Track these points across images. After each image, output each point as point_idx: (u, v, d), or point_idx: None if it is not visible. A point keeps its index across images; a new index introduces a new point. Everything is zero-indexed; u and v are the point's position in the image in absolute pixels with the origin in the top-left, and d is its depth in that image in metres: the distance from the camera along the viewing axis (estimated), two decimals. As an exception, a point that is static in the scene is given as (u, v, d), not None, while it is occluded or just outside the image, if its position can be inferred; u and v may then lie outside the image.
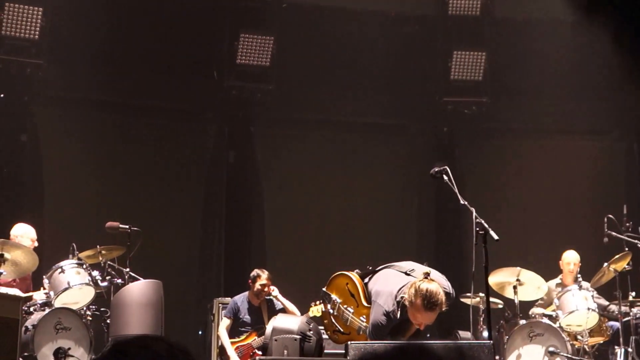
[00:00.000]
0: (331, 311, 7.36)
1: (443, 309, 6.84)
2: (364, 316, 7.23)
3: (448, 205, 12.58)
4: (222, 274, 13.38)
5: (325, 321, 7.58)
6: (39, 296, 9.70)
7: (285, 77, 13.55)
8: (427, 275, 6.84)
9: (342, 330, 7.35)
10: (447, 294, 6.89)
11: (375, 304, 7.04)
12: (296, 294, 11.96)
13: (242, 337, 10.60)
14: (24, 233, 9.99)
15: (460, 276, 12.56)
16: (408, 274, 7.02)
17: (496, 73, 13.79)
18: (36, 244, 10.04)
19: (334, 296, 7.32)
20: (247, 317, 10.73)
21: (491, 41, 13.84)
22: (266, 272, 10.86)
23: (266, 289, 10.75)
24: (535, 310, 10.93)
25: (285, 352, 7.65)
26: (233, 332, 10.69)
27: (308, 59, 13.69)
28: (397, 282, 7.01)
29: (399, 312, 6.93)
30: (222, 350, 10.67)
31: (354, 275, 7.35)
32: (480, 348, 6.65)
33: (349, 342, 6.90)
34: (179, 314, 12.02)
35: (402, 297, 6.85)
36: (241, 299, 10.80)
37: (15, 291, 9.59)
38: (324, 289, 7.54)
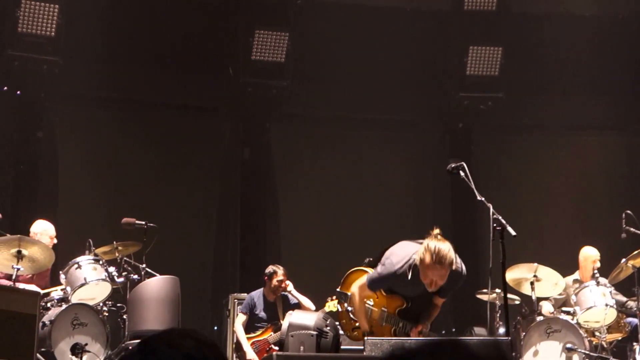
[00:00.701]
0: (349, 309, 7.33)
1: (453, 269, 6.91)
2: (385, 306, 7.23)
3: (464, 201, 12.56)
4: (238, 270, 13.38)
5: (344, 321, 7.56)
6: (57, 294, 9.74)
7: (300, 74, 13.54)
8: (437, 235, 6.85)
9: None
10: (457, 272, 6.91)
11: (385, 263, 7.12)
12: (311, 290, 11.96)
13: (258, 333, 10.61)
14: (43, 230, 10.05)
15: (477, 272, 12.54)
16: (422, 243, 7.02)
17: (512, 68, 13.74)
18: (55, 241, 10.09)
19: (350, 293, 7.30)
20: (262, 313, 10.75)
21: (507, 36, 13.78)
22: (282, 268, 10.88)
23: (283, 285, 10.78)
24: (543, 305, 10.88)
25: (302, 348, 7.64)
26: (249, 328, 10.71)
27: (323, 55, 13.67)
28: (412, 248, 7.07)
29: (410, 272, 6.99)
30: (238, 345, 10.67)
31: (366, 268, 7.32)
32: (498, 344, 6.62)
33: (366, 338, 6.89)
34: (194, 309, 12.03)
35: (413, 259, 6.89)
36: (257, 295, 10.82)
37: (32, 287, 9.64)
38: (339, 289, 7.51)
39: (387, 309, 7.23)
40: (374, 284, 7.16)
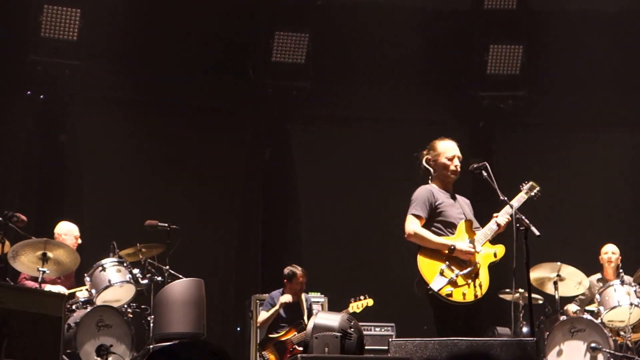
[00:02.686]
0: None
1: None
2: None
3: (485, 201, 12.53)
4: (260, 271, 13.42)
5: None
6: (82, 294, 9.81)
7: (320, 74, 13.55)
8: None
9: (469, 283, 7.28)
10: None
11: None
12: (333, 291, 12.01)
13: (282, 333, 10.67)
14: (67, 231, 10.15)
15: (500, 272, 12.51)
16: None
17: (533, 67, 13.71)
18: (80, 241, 10.18)
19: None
20: (283, 313, 10.82)
21: (528, 34, 13.76)
22: (300, 268, 10.99)
23: (301, 287, 10.91)
24: (569, 307, 10.87)
25: (326, 349, 7.66)
26: (271, 328, 10.79)
27: (343, 55, 13.69)
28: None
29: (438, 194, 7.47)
30: (262, 343, 10.74)
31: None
32: (523, 345, 6.63)
33: (390, 340, 6.92)
34: (217, 310, 12.08)
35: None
36: (277, 295, 10.92)
37: (59, 288, 9.72)
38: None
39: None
40: (417, 207, 7.34)
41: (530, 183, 7.80)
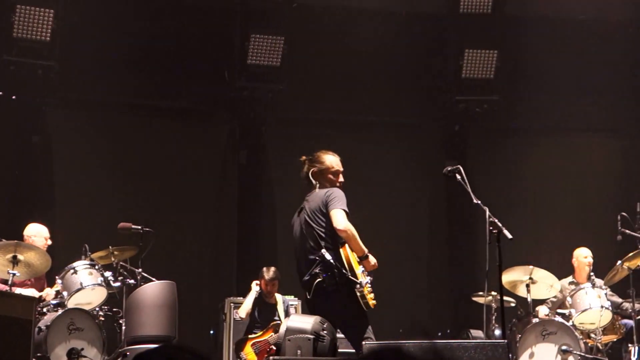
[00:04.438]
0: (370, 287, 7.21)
1: None
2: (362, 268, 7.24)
3: (459, 204, 12.58)
4: (234, 274, 13.39)
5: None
6: (51, 294, 9.74)
7: (296, 77, 13.54)
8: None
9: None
10: None
11: (333, 194, 7.34)
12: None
13: (259, 334, 10.68)
14: (37, 233, 10.08)
15: (473, 275, 12.57)
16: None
17: (508, 71, 13.75)
18: (50, 242, 10.12)
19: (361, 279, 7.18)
20: (257, 314, 10.87)
21: (503, 39, 13.80)
22: (271, 270, 11.02)
23: (269, 288, 10.94)
24: (541, 310, 10.91)
25: (299, 352, 7.64)
26: (249, 329, 10.83)
27: (319, 58, 13.68)
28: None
29: None
30: (239, 344, 10.74)
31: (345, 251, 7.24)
32: (494, 347, 6.64)
33: (363, 343, 6.91)
34: (190, 313, 12.02)
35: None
36: (257, 294, 10.99)
37: (31, 291, 9.64)
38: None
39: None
40: (344, 202, 7.25)
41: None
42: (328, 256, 7.09)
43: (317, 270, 7.15)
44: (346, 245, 7.18)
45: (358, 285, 6.99)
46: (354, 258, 7.14)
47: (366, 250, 7.20)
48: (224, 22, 13.57)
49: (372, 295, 7.15)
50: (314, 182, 7.55)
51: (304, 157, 7.69)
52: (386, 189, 13.90)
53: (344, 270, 7.04)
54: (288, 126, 14.09)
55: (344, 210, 7.22)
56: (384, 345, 6.38)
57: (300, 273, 7.34)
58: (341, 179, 7.59)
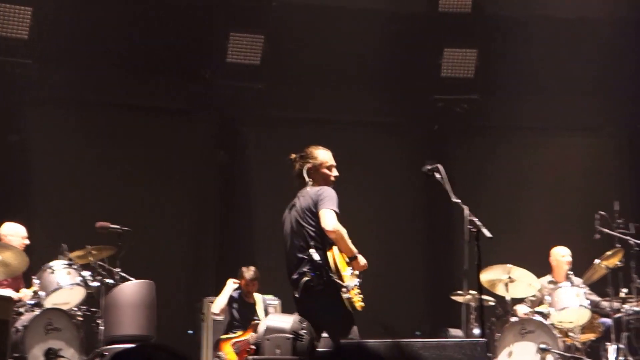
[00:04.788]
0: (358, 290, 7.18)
1: None
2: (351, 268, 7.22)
3: (439, 203, 12.58)
4: (213, 274, 13.35)
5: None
6: (28, 294, 9.68)
7: (275, 76, 13.51)
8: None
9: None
10: None
11: (324, 192, 7.25)
12: (288, 292, 11.96)
13: (239, 333, 10.67)
14: (14, 232, 10.01)
15: (452, 274, 12.58)
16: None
17: (487, 70, 13.78)
18: (27, 241, 10.05)
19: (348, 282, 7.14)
20: (236, 313, 10.85)
21: (482, 38, 13.83)
22: (251, 270, 11.02)
23: (249, 287, 10.94)
24: (519, 309, 10.94)
25: (278, 351, 7.63)
26: (229, 328, 10.81)
27: (298, 57, 13.66)
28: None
29: None
30: (218, 343, 10.72)
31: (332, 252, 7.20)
32: (473, 346, 6.65)
33: (342, 341, 6.89)
34: (169, 313, 12.00)
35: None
36: (237, 294, 10.97)
37: (8, 291, 9.58)
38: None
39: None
40: (335, 205, 7.18)
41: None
42: (316, 256, 7.07)
43: (305, 269, 7.12)
44: (334, 246, 7.13)
45: (344, 289, 6.96)
46: (341, 260, 7.11)
47: (356, 251, 7.17)
48: (204, 21, 13.52)
49: (359, 297, 7.12)
50: (307, 179, 7.44)
51: (293, 155, 7.62)
52: (365, 188, 13.89)
53: (330, 273, 7.00)
54: (268, 125, 14.06)
55: (334, 210, 7.15)
56: (346, 342, 6.38)
57: (289, 271, 7.31)
58: (335, 173, 7.54)
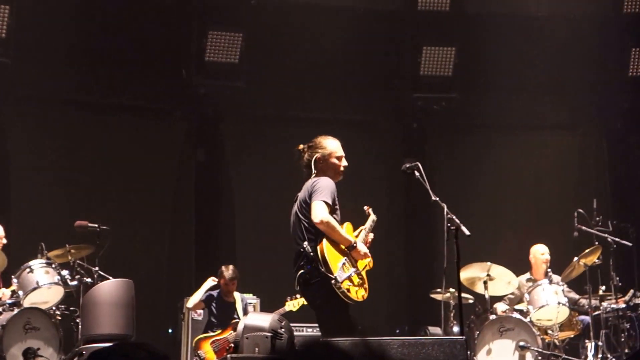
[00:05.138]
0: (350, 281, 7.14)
1: None
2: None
3: (418, 201, 12.59)
4: (193, 273, 13.32)
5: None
6: (7, 293, 9.64)
7: (254, 74, 13.49)
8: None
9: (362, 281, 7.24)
10: None
11: (319, 184, 7.23)
12: (269, 291, 11.97)
13: (218, 332, 10.65)
14: (-8, 232, 9.98)
15: (431, 272, 12.60)
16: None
17: (466, 68, 13.81)
18: (4, 241, 10.01)
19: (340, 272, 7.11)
20: (215, 313, 10.84)
21: (461, 37, 13.85)
22: (230, 269, 11.00)
23: (229, 287, 10.93)
24: (499, 306, 10.98)
25: (257, 349, 7.63)
26: (208, 327, 10.79)
27: (277, 55, 13.65)
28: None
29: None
30: (198, 342, 10.71)
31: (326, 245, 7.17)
32: (452, 344, 6.66)
33: (321, 340, 6.89)
34: (148, 312, 11.95)
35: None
36: (216, 293, 10.96)
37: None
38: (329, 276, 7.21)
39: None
40: (327, 196, 7.15)
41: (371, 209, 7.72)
42: (309, 249, 7.05)
43: (301, 263, 7.12)
44: (325, 238, 7.10)
45: (333, 281, 6.94)
46: (330, 251, 7.06)
47: (352, 240, 7.15)
48: (182, 19, 13.49)
49: (356, 288, 7.07)
50: (313, 169, 7.42)
51: (301, 145, 7.61)
52: (344, 186, 13.86)
53: (320, 266, 6.98)
54: (246, 124, 14.04)
55: (324, 201, 7.12)
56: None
57: (293, 264, 7.26)
58: (344, 163, 7.52)
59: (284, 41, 13.56)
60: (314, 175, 7.40)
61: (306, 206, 7.21)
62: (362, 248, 7.18)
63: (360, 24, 13.87)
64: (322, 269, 6.95)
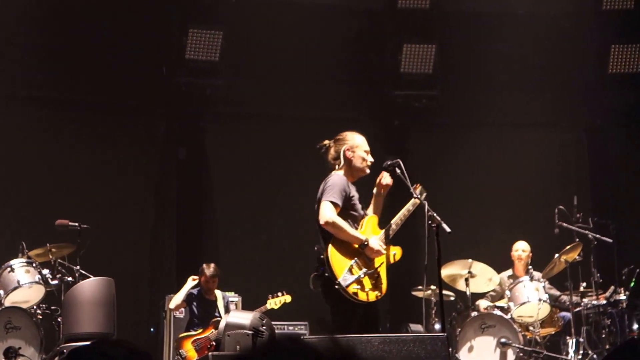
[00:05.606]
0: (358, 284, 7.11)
1: None
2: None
3: (399, 198, 12.60)
4: (174, 271, 13.29)
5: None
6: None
7: (234, 72, 13.47)
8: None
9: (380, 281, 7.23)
10: None
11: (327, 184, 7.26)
12: (251, 289, 11.97)
13: (199, 331, 10.63)
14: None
15: (412, 269, 12.59)
16: None
17: (446, 66, 13.83)
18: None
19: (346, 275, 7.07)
20: (196, 311, 10.82)
21: (441, 34, 13.88)
22: (212, 266, 10.98)
23: (209, 284, 10.90)
24: (480, 303, 11.00)
25: (238, 347, 7.63)
26: (189, 325, 10.77)
27: (257, 53, 13.62)
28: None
29: (350, 186, 7.35)
30: (179, 341, 10.69)
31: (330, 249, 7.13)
32: (434, 341, 6.67)
33: (303, 337, 6.88)
34: (130, 311, 11.93)
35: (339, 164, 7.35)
36: (196, 291, 10.93)
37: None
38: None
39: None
40: (335, 195, 7.12)
41: (420, 187, 7.74)
42: (321, 250, 7.06)
43: (317, 264, 7.11)
44: (332, 241, 7.08)
45: (337, 286, 6.92)
46: (335, 255, 7.03)
47: (363, 238, 7.12)
48: (162, 16, 13.45)
49: (367, 290, 7.05)
50: (336, 164, 7.47)
51: (327, 141, 7.67)
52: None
53: (326, 269, 6.98)
54: (227, 121, 14.02)
55: (331, 201, 7.12)
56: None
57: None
58: (370, 158, 7.53)
59: (264, 39, 13.53)
60: (337, 168, 7.43)
61: (318, 206, 7.20)
62: (375, 245, 7.14)
63: (341, 22, 13.87)
64: (327, 274, 6.94)
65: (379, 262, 7.20)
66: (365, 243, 7.09)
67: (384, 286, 7.23)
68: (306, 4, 13.73)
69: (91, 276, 10.15)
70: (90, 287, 9.90)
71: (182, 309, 11.18)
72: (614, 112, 14.10)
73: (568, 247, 10.77)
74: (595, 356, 10.43)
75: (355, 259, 7.06)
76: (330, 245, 7.04)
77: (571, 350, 10.49)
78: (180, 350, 10.55)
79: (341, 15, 13.91)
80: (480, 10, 13.98)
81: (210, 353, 7.37)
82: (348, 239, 7.08)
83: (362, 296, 6.99)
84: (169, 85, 13.46)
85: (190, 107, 13.61)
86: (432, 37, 13.79)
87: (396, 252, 7.35)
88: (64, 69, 13.01)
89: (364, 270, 7.06)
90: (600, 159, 14.29)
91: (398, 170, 7.57)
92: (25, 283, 9.47)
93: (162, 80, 13.50)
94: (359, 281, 7.01)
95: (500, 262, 11.37)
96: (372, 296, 7.08)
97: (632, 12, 13.76)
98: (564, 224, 11.02)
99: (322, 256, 7.02)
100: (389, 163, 7.70)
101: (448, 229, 7.20)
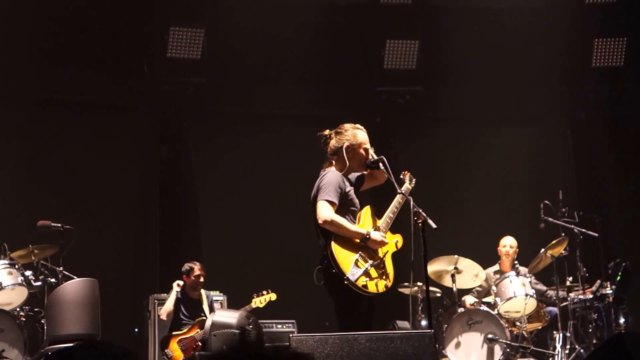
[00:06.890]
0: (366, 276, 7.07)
1: None
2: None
3: (384, 195, 12.57)
4: (158, 270, 13.23)
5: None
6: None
7: (217, 70, 13.42)
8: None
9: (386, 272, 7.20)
10: None
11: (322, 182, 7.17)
12: (234, 288, 11.92)
13: (185, 330, 10.60)
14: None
15: (398, 266, 12.55)
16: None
17: (430, 62, 13.80)
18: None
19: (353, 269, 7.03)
20: (184, 311, 10.77)
21: (424, 30, 13.84)
22: (198, 264, 10.99)
23: (200, 280, 10.89)
24: (467, 299, 10.99)
25: (225, 347, 7.58)
26: (175, 325, 10.73)
27: (239, 51, 13.56)
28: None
29: (345, 182, 7.24)
30: (164, 341, 10.65)
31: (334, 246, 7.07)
32: (421, 337, 6.62)
33: (290, 336, 6.82)
34: (114, 311, 11.84)
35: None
36: (180, 293, 10.90)
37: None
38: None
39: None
40: (330, 193, 7.06)
41: (409, 174, 7.74)
42: (323, 245, 7.02)
43: (321, 259, 7.07)
44: (334, 238, 7.01)
45: (347, 282, 6.89)
46: (339, 252, 6.97)
47: (364, 232, 7.08)
48: (143, 15, 13.37)
49: (375, 281, 7.02)
50: (333, 159, 7.37)
51: (327, 131, 7.54)
52: (308, 181, 13.82)
53: (332, 266, 6.93)
54: (209, 120, 13.97)
55: (327, 200, 7.06)
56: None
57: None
58: (372, 154, 7.43)
59: (246, 36, 13.47)
60: (334, 162, 7.37)
61: (314, 203, 7.17)
62: (377, 237, 7.10)
63: (324, 18, 13.81)
64: (334, 270, 6.90)
65: (383, 252, 7.18)
66: (367, 236, 7.07)
67: (391, 275, 7.25)
68: (288, 0, 13.67)
69: (74, 277, 10.08)
70: (73, 288, 9.82)
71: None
72: (598, 106, 14.11)
73: (554, 241, 10.76)
74: (582, 350, 10.43)
75: (360, 252, 7.04)
76: (332, 242, 7.01)
77: (558, 345, 10.48)
78: (166, 350, 10.51)
79: (323, 11, 13.85)
80: (463, 6, 13.96)
81: (197, 353, 7.31)
82: (349, 235, 7.06)
83: (372, 288, 6.99)
84: (152, 84, 13.40)
85: (172, 106, 13.55)
86: (415, 33, 13.76)
87: (398, 239, 7.34)
88: (45, 68, 12.91)
89: (370, 262, 7.05)
90: (585, 153, 14.30)
91: (382, 167, 7.52)
92: (8, 285, 9.40)
93: (145, 79, 13.43)
94: (367, 273, 6.99)
95: (486, 257, 11.35)
96: (382, 286, 7.08)
97: (615, 5, 13.77)
98: (550, 219, 11.01)
99: (325, 252, 6.99)
100: (372, 159, 7.65)
101: (434, 225, 7.15)
